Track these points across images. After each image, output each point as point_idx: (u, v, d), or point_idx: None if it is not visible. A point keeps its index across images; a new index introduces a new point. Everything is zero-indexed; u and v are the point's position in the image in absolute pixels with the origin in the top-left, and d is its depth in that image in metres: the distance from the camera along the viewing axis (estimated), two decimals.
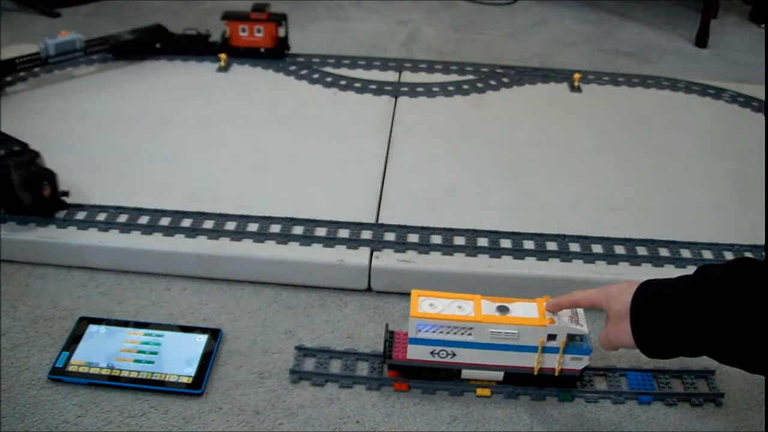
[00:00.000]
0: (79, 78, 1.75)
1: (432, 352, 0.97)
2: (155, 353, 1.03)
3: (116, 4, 2.39)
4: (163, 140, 1.50)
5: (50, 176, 1.22)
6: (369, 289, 1.18)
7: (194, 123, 1.57)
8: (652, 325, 0.79)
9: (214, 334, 1.06)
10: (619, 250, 1.21)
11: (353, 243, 1.20)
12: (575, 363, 0.97)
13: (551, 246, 1.21)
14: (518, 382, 0.99)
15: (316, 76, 1.78)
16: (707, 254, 1.21)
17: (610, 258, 1.19)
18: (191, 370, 1.00)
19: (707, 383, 1.01)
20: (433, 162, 1.46)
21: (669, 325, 0.77)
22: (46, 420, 0.93)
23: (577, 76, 1.79)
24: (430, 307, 0.95)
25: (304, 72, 1.80)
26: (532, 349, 0.95)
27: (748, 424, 0.96)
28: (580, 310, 0.95)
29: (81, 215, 1.25)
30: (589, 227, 1.25)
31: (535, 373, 0.97)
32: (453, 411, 0.97)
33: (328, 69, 1.82)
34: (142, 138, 1.50)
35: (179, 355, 1.02)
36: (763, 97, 1.74)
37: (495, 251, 1.19)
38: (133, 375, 0.99)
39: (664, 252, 1.21)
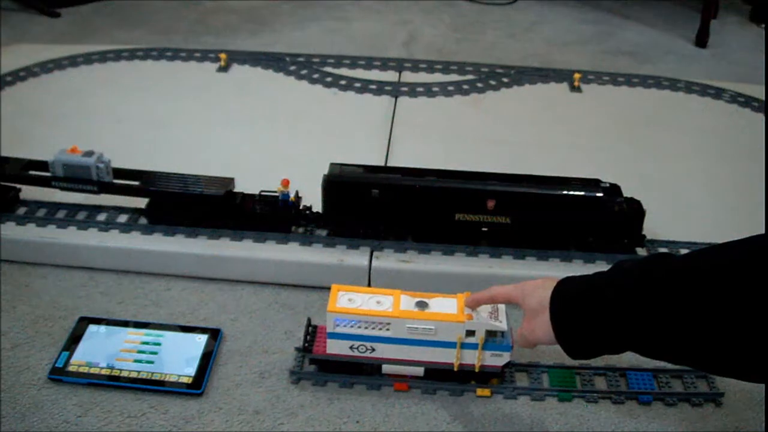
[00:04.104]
0: (79, 78, 1.76)
1: (351, 347, 0.96)
2: (155, 353, 1.03)
3: (116, 4, 2.39)
4: (162, 140, 1.50)
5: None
6: None
7: (194, 123, 1.57)
8: (571, 321, 0.78)
9: (214, 334, 1.06)
10: None
11: (353, 243, 1.20)
12: (495, 359, 0.96)
13: None
14: (439, 378, 0.99)
15: (316, 76, 1.78)
16: None
17: (610, 258, 1.19)
18: (191, 370, 1.00)
19: (707, 383, 1.01)
20: (433, 162, 1.45)
21: (587, 321, 0.76)
22: (46, 420, 0.93)
23: (577, 76, 1.79)
24: (349, 301, 0.95)
25: (304, 72, 1.80)
26: (451, 345, 0.94)
27: (748, 424, 0.96)
28: (501, 306, 0.95)
29: (82, 215, 1.25)
30: None
31: (455, 369, 0.97)
32: (453, 411, 0.97)
33: (328, 69, 1.82)
34: (141, 138, 1.50)
35: (179, 355, 1.02)
36: (763, 97, 1.74)
37: (495, 251, 1.19)
38: (133, 375, 0.99)
39: (664, 252, 1.21)
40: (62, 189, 1.23)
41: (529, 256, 1.19)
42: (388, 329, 0.94)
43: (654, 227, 1.24)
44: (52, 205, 1.26)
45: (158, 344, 1.04)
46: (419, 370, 0.98)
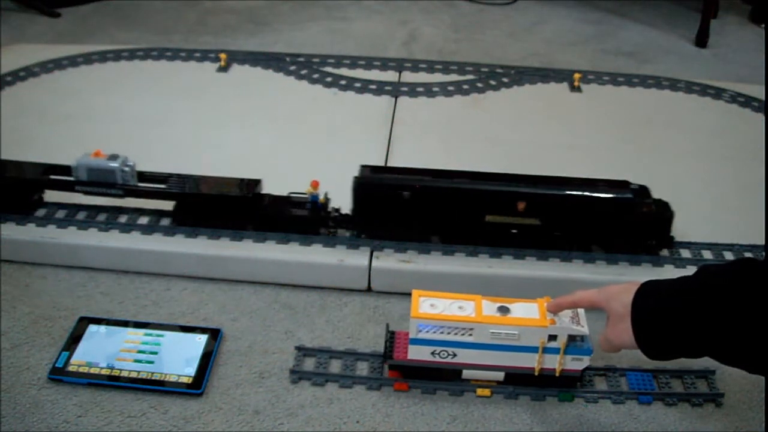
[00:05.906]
0: (79, 78, 1.76)
1: (433, 353, 0.97)
2: (155, 353, 1.03)
3: (116, 4, 2.39)
4: (162, 140, 1.49)
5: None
6: (369, 289, 1.18)
7: (194, 123, 1.57)
8: (654, 325, 0.79)
9: (214, 334, 1.06)
10: None
11: (353, 243, 1.20)
12: (576, 363, 0.97)
13: None
14: (519, 383, 0.99)
15: (316, 76, 1.78)
16: (707, 254, 1.22)
17: (610, 258, 1.19)
18: (191, 370, 1.00)
19: (707, 383, 1.01)
20: (433, 162, 1.45)
21: (670, 326, 0.77)
22: (46, 420, 0.93)
23: (577, 76, 1.79)
24: (431, 307, 0.95)
25: (304, 72, 1.80)
26: (532, 349, 0.95)
27: (748, 424, 0.96)
28: (581, 311, 0.95)
29: (81, 215, 1.25)
30: None
31: (536, 374, 0.97)
32: (453, 411, 0.97)
33: (328, 69, 1.82)
34: (141, 138, 1.50)
35: (179, 355, 1.02)
36: (763, 97, 1.74)
37: (495, 251, 1.19)
38: (133, 375, 0.99)
39: (664, 252, 1.21)
40: (86, 194, 1.21)
41: (529, 256, 1.19)
42: (470, 334, 0.95)
43: None
44: (51, 205, 1.26)
45: (158, 344, 1.04)
46: (499, 375, 0.99)
